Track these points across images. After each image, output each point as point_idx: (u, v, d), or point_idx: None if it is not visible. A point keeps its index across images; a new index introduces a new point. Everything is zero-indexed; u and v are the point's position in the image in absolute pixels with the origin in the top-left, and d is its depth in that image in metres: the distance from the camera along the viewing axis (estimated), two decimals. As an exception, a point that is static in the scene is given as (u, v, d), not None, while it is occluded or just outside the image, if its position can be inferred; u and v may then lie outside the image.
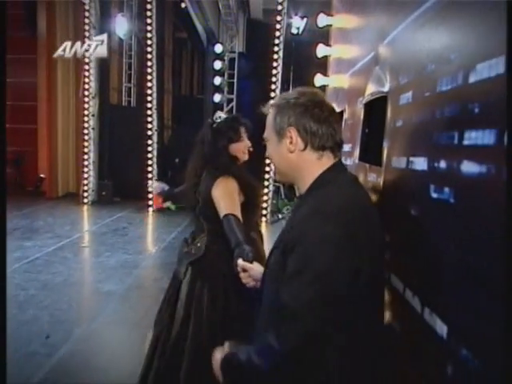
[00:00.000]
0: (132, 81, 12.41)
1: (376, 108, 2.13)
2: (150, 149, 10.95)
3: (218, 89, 11.26)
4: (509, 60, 0.89)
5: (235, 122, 2.52)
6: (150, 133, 10.94)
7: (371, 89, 2.19)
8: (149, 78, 10.84)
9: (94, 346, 4.00)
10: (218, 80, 11.06)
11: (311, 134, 1.37)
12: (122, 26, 11.12)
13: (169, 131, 12.83)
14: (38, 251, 6.78)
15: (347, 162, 2.57)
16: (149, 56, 10.81)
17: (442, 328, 1.15)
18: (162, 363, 2.45)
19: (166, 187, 3.18)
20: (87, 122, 11.26)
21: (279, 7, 10.60)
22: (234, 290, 2.28)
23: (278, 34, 10.76)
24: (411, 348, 1.41)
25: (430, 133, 1.30)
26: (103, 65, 11.46)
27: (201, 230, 2.52)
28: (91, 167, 11.45)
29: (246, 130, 2.52)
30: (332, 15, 4.43)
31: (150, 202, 10.77)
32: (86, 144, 11.32)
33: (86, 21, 10.86)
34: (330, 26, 4.47)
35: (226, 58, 11.39)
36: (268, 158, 1.53)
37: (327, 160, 1.40)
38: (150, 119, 10.92)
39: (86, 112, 11.24)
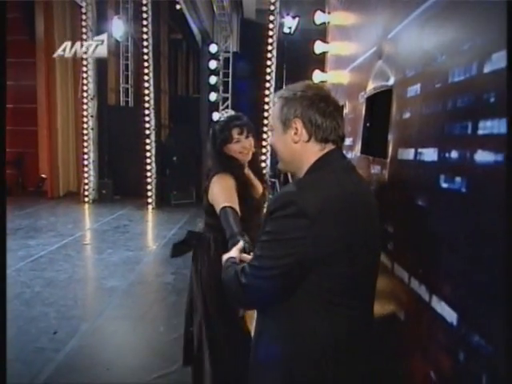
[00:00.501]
0: (129, 81, 12.55)
1: (378, 102, 2.14)
2: (148, 147, 11.15)
3: (214, 88, 11.44)
4: (509, 59, 0.94)
5: (228, 123, 2.51)
6: (147, 132, 11.13)
7: (373, 83, 2.19)
8: (145, 78, 11.03)
9: (100, 341, 4.08)
10: (213, 79, 11.25)
11: (316, 126, 1.43)
12: (118, 28, 11.24)
13: (166, 130, 13.00)
14: (42, 249, 6.89)
15: (348, 155, 2.56)
16: (145, 57, 10.99)
17: (451, 315, 1.16)
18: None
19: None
20: (86, 122, 11.45)
21: (272, 7, 10.78)
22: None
23: (271, 33, 10.97)
24: (418, 335, 1.43)
25: (441, 124, 1.29)
26: (101, 66, 11.64)
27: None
28: (91, 167, 11.65)
29: (241, 131, 2.50)
30: (329, 13, 4.48)
31: (150, 200, 11.04)
32: (85, 144, 11.52)
33: (84, 23, 11.01)
34: (324, 23, 4.54)
35: (220, 57, 11.58)
36: (271, 146, 1.59)
37: (328, 150, 1.46)
38: (147, 119, 11.11)
39: (85, 113, 11.43)
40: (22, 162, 12.45)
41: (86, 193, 11.55)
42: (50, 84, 11.67)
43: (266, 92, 10.94)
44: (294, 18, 10.86)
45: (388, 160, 1.83)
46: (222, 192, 2.36)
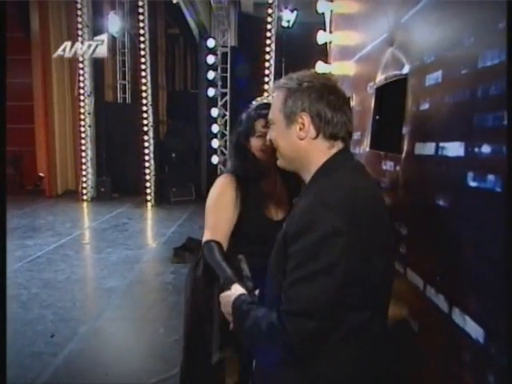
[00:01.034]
0: (126, 78, 12.44)
1: (389, 93, 1.99)
2: (146, 144, 11.08)
3: (212, 83, 11.31)
4: (509, 57, 0.89)
5: (253, 112, 2.05)
6: (145, 128, 11.05)
7: (384, 73, 2.02)
8: (143, 74, 10.93)
9: (100, 344, 3.98)
10: (211, 74, 11.11)
11: (325, 121, 1.29)
12: (114, 23, 11.11)
13: (164, 126, 12.90)
14: (40, 249, 6.82)
15: (356, 150, 2.45)
16: (142, 53, 10.87)
17: (477, 331, 1.05)
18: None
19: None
20: (83, 119, 11.36)
21: (270, 0, 10.67)
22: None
23: (269, 26, 10.87)
24: (435, 347, 1.32)
25: (469, 114, 1.14)
26: (98, 63, 11.53)
27: None
28: (89, 164, 11.57)
29: (267, 123, 1.75)
30: (332, 1, 4.27)
31: (149, 197, 10.94)
32: (83, 142, 11.43)
33: (79, 20, 10.92)
34: (323, 13, 4.36)
35: (218, 52, 11.42)
36: (271, 141, 1.41)
37: (337, 150, 1.33)
38: (145, 115, 11.02)
39: (82, 110, 11.34)
40: (19, 160, 12.38)
41: (85, 191, 11.48)
42: (47, 81, 11.55)
43: (266, 86, 10.84)
44: (292, 11, 10.77)
45: (403, 155, 1.68)
46: (211, 211, 1.95)
